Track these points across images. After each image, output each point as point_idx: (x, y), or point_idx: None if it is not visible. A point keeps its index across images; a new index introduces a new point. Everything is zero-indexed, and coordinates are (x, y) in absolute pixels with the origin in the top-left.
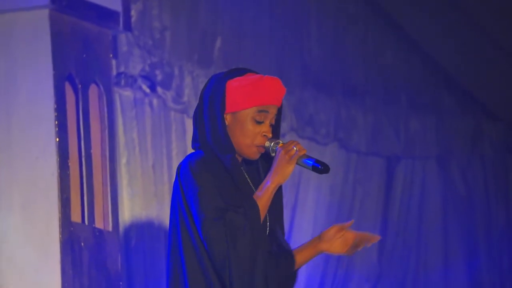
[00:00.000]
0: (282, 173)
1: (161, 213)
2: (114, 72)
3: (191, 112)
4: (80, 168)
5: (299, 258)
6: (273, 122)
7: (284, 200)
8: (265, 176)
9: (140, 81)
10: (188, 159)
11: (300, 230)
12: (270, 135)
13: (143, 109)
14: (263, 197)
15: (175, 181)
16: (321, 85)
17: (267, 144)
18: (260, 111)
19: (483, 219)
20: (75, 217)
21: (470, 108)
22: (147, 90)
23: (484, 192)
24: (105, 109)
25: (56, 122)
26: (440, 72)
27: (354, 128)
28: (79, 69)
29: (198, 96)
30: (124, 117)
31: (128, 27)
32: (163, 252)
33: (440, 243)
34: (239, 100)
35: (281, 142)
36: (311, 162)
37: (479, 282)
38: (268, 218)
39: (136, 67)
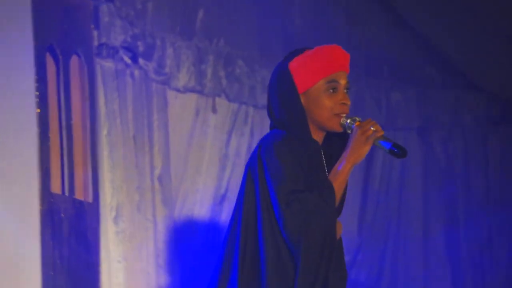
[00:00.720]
0: (358, 153)
1: (142, 185)
2: (96, 43)
3: (173, 84)
4: (60, 139)
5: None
6: (348, 88)
7: None
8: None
9: (121, 52)
10: (271, 139)
11: None
12: (349, 102)
13: (125, 80)
14: (338, 178)
15: (253, 159)
16: None
17: (343, 121)
18: (329, 82)
19: (463, 190)
20: (55, 188)
21: (452, 80)
22: (129, 61)
23: (464, 164)
24: (86, 80)
25: (37, 93)
26: (422, 43)
27: None
28: (60, 40)
29: (179, 67)
30: (106, 88)
31: None
32: (143, 222)
33: (420, 214)
34: (305, 78)
35: (357, 119)
36: (389, 146)
37: (458, 252)
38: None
39: (117, 38)
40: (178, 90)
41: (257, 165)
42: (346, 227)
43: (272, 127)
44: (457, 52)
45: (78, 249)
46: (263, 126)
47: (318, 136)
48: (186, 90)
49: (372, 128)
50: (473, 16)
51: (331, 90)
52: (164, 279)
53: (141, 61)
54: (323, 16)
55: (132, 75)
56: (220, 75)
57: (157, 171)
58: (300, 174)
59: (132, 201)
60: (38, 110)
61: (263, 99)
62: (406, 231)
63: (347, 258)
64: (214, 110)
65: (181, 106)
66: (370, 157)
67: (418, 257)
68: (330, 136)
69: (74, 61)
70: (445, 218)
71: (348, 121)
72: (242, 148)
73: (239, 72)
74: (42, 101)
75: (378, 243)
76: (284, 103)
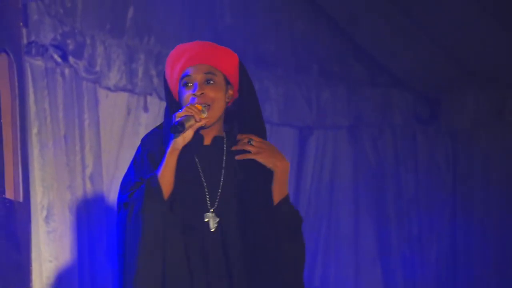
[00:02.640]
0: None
1: (73, 184)
2: (25, 41)
3: (104, 82)
4: None
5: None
6: (209, 79)
7: None
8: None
9: (51, 50)
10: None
11: None
12: (199, 93)
13: (55, 78)
14: (161, 167)
15: None
16: None
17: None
18: (181, 79)
19: (393, 188)
20: None
21: (380, 78)
22: (59, 60)
23: (394, 162)
24: (16, 79)
25: None
26: (349, 41)
27: (266, 98)
28: None
29: (110, 66)
30: (35, 87)
31: None
32: (73, 221)
33: (352, 212)
34: (171, 80)
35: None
36: (177, 122)
37: (389, 249)
38: (208, 193)
39: (47, 36)
40: (109, 89)
41: None
42: None
43: None
44: (384, 51)
45: (8, 250)
46: None
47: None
48: (117, 88)
49: (181, 110)
50: (402, 15)
51: (184, 85)
52: (94, 279)
53: (71, 59)
54: (252, 14)
55: (62, 73)
56: (152, 73)
57: (88, 170)
58: (138, 173)
59: (63, 200)
60: None
61: None
62: (337, 230)
63: None
64: (145, 109)
65: (112, 105)
66: (301, 156)
67: (350, 255)
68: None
69: (2, 59)
70: (376, 216)
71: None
72: None
73: None
74: None
75: (309, 242)
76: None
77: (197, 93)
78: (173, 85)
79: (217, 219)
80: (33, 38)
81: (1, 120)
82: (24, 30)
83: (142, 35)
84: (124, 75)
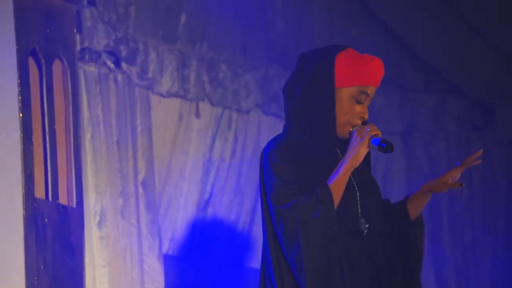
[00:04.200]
0: (355, 154)
1: (126, 189)
2: (78, 47)
3: (156, 88)
4: (43, 144)
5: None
6: (369, 104)
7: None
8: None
9: (104, 57)
10: (269, 146)
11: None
12: (367, 117)
13: (108, 84)
14: (336, 180)
15: (260, 169)
16: (287, 61)
17: (352, 129)
18: (361, 92)
19: (446, 195)
20: (39, 193)
21: (434, 84)
22: (112, 66)
23: (447, 169)
24: (69, 85)
25: (20, 98)
26: (404, 47)
27: None
28: (43, 44)
29: (162, 72)
30: (88, 93)
31: (92, 2)
32: (127, 226)
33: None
34: (345, 76)
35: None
36: (377, 142)
37: (442, 257)
38: (359, 197)
39: (100, 42)
40: (161, 95)
41: (260, 174)
42: None
43: (286, 117)
44: (439, 57)
45: (62, 255)
46: (247, 130)
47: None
48: (169, 95)
49: (368, 130)
50: (455, 22)
51: (358, 100)
52: (149, 284)
53: (124, 65)
54: (306, 20)
55: (115, 79)
56: (203, 79)
57: (140, 176)
58: (293, 183)
59: (116, 206)
60: (21, 115)
61: (246, 104)
62: None
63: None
64: (197, 115)
65: (165, 110)
66: None
67: None
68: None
69: (56, 65)
70: (431, 221)
71: (353, 128)
72: (226, 153)
73: (222, 77)
74: (25, 105)
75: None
76: (314, 93)
77: (366, 117)
78: (344, 78)
79: (367, 225)
80: (86, 44)
81: (55, 126)
82: (77, 37)
83: (194, 41)
84: (176, 81)
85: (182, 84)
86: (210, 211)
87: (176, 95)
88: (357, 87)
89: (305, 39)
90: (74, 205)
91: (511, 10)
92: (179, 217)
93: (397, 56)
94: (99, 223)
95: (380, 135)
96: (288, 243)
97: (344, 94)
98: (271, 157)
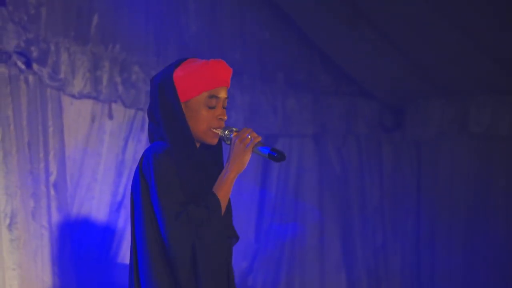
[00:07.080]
0: (240, 162)
1: (37, 191)
2: None
3: (68, 89)
4: None
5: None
6: (226, 105)
7: None
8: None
9: (15, 57)
10: (152, 150)
11: None
12: (225, 117)
13: (18, 85)
14: (223, 188)
15: (136, 170)
16: None
17: (221, 133)
18: (211, 97)
19: (357, 196)
20: None
21: (345, 87)
22: (23, 67)
23: (358, 170)
24: None
25: None
26: (316, 51)
27: (232, 106)
28: None
29: (74, 73)
30: None
31: (2, 1)
32: (38, 228)
33: (316, 220)
34: (188, 88)
35: (234, 130)
36: (267, 151)
37: (354, 258)
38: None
39: (10, 43)
40: (73, 96)
41: (139, 179)
42: (242, 234)
43: (150, 135)
44: (350, 60)
45: None
46: None
47: (197, 142)
48: (81, 96)
49: (249, 136)
50: (366, 26)
51: (210, 106)
52: (60, 287)
53: (35, 66)
54: (218, 23)
55: (26, 80)
56: (116, 81)
57: (52, 178)
58: (182, 188)
59: (27, 207)
60: None
61: None
62: (302, 237)
63: (243, 264)
64: (110, 116)
65: (77, 112)
66: (266, 164)
67: (315, 263)
68: (204, 145)
69: None
70: (340, 224)
71: (226, 132)
72: (138, 154)
73: (135, 78)
74: None
75: (274, 249)
76: (166, 112)
77: (225, 118)
78: (187, 90)
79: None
80: None
81: None
82: None
83: (106, 43)
84: (88, 82)
85: (94, 85)
86: (122, 212)
87: (88, 96)
88: (205, 93)
89: (218, 40)
90: None
91: (419, 15)
92: (91, 219)
93: (308, 59)
94: (10, 225)
95: (262, 142)
96: (179, 249)
97: (195, 105)
98: (156, 160)
